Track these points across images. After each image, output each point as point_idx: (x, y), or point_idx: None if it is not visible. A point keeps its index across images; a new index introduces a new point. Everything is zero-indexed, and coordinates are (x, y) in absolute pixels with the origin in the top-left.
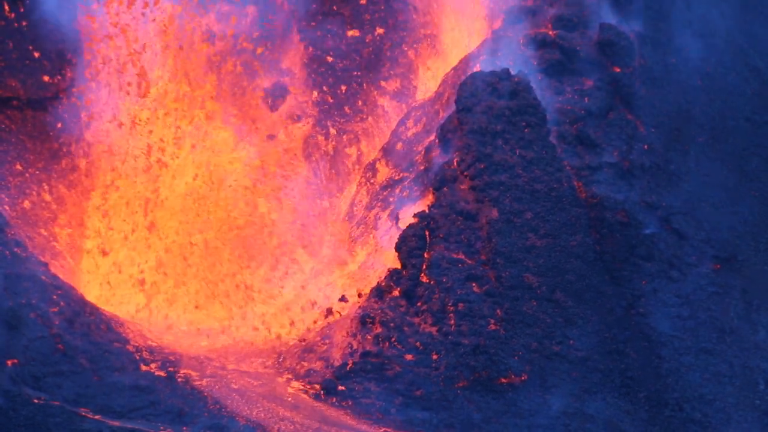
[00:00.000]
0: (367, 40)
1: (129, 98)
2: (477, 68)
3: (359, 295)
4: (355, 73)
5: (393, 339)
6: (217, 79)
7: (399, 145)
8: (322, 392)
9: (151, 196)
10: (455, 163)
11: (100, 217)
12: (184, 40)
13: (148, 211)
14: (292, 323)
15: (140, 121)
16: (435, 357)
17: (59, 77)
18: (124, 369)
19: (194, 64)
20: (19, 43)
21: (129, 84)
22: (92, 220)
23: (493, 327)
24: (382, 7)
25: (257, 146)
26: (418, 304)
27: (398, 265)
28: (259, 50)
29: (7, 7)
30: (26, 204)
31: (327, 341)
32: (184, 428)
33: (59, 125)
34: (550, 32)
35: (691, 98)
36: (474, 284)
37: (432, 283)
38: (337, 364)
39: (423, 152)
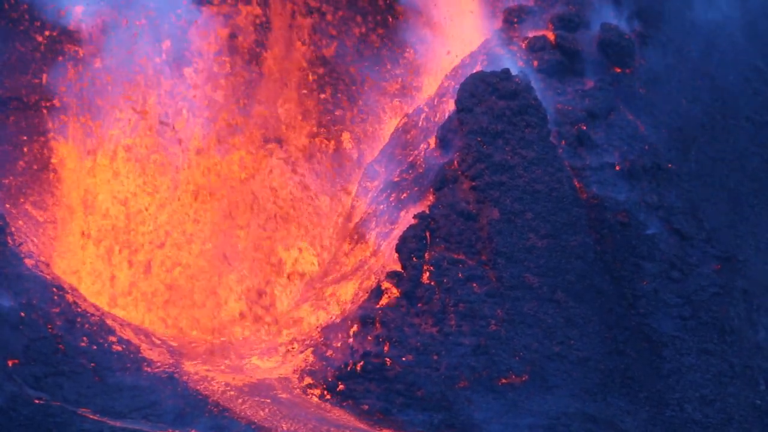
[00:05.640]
0: (368, 41)
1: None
2: (478, 68)
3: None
4: (356, 73)
5: (394, 339)
6: (217, 81)
7: (400, 146)
8: (323, 392)
9: (153, 195)
10: (456, 164)
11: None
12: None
13: (152, 209)
14: (294, 323)
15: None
16: (435, 357)
17: (60, 78)
18: (125, 369)
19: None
20: (20, 43)
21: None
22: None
23: (493, 327)
24: (383, 8)
25: (258, 148)
26: (419, 304)
27: (399, 266)
28: (259, 52)
29: (6, 6)
30: (27, 204)
31: (328, 342)
32: (185, 429)
33: (60, 126)
34: (551, 32)
35: (691, 98)
36: (474, 284)
37: (432, 283)
38: (337, 364)
39: (423, 153)
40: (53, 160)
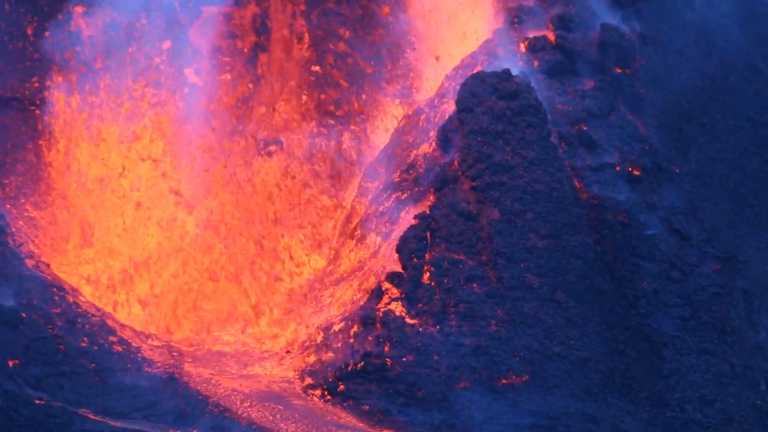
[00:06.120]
0: (368, 41)
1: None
2: (478, 69)
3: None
4: (357, 74)
5: (394, 340)
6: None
7: (400, 146)
8: (323, 393)
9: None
10: (456, 164)
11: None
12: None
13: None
14: (295, 324)
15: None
16: (436, 358)
17: (60, 78)
18: (126, 370)
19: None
20: (20, 43)
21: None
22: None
23: (494, 328)
24: (384, 8)
25: (258, 148)
26: (419, 305)
27: (399, 267)
28: (259, 52)
29: (7, 7)
30: (28, 205)
31: (328, 342)
32: (186, 429)
33: (61, 126)
34: (551, 33)
35: (691, 98)
36: (475, 285)
37: (433, 284)
38: (338, 364)
39: (424, 153)
40: (53, 161)
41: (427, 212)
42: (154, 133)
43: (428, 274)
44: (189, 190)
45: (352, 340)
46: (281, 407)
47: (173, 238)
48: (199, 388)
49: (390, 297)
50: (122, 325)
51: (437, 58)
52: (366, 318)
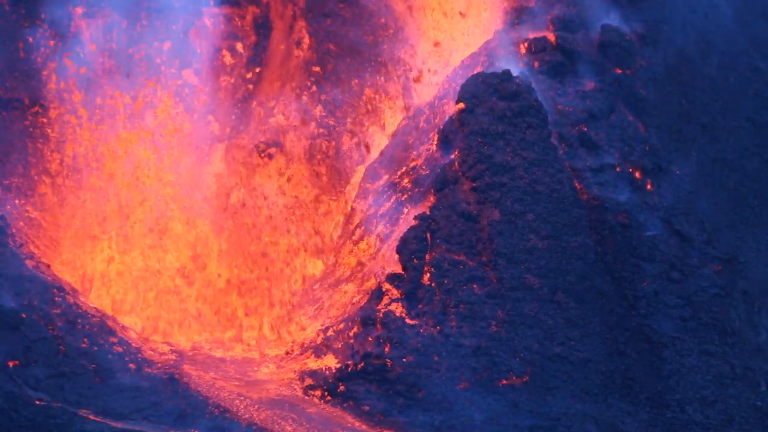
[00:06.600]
0: (368, 42)
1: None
2: (478, 69)
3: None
4: (357, 75)
5: (394, 341)
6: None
7: (400, 147)
8: (323, 394)
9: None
10: (456, 165)
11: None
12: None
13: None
14: (295, 325)
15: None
16: (436, 358)
17: (61, 79)
18: (126, 371)
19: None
20: (20, 43)
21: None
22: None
23: (494, 328)
24: (384, 9)
25: (258, 149)
26: (420, 305)
27: (399, 267)
28: (259, 53)
29: (6, 7)
30: (28, 206)
31: (328, 343)
32: (186, 429)
33: (61, 126)
34: (552, 34)
35: (692, 99)
36: (475, 285)
37: (433, 284)
38: (338, 365)
39: (424, 153)
40: (53, 163)
41: (428, 213)
42: (154, 134)
43: (428, 274)
44: (188, 190)
45: (352, 341)
46: (281, 408)
47: (172, 239)
48: (199, 389)
49: (390, 298)
50: (122, 326)
51: (439, 59)
52: (366, 319)
